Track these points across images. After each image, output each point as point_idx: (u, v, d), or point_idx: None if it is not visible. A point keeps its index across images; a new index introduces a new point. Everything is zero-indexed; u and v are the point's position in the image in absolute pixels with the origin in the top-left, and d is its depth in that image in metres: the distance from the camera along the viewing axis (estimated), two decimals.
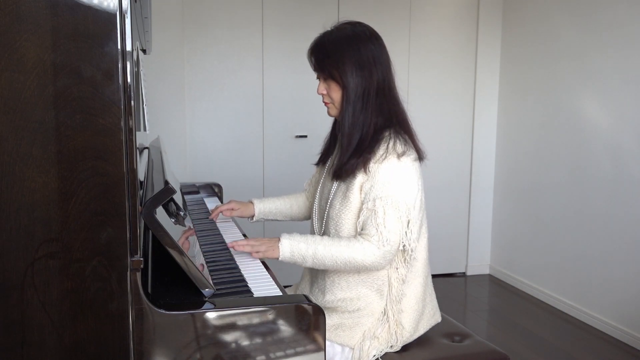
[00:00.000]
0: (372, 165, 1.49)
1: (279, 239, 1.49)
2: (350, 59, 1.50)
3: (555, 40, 3.34)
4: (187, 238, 1.62)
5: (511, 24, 3.77)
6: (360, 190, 1.51)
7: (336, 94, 1.54)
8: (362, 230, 1.50)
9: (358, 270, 1.51)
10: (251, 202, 1.88)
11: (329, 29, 1.58)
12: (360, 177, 1.51)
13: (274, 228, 3.60)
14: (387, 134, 1.52)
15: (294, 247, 1.48)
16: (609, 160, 2.98)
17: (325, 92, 1.57)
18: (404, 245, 1.50)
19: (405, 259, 1.55)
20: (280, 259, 1.49)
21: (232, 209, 1.86)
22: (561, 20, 3.29)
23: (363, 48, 1.51)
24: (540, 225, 3.53)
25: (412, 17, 3.72)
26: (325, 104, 1.59)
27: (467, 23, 3.84)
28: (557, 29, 3.33)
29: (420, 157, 1.57)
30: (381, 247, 1.46)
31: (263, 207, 1.87)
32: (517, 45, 3.71)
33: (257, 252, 1.51)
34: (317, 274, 1.67)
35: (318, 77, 1.59)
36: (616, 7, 2.90)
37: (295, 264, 1.52)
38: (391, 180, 1.47)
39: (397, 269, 1.55)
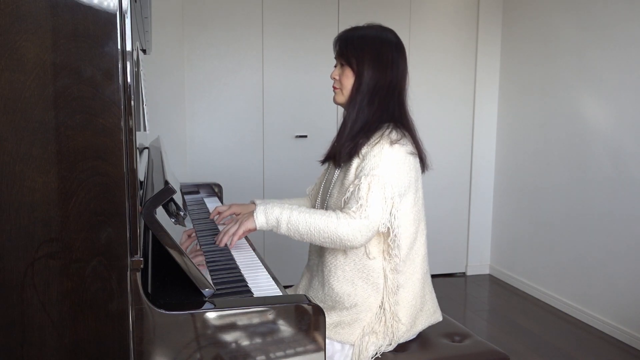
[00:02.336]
0: (365, 149, 1.53)
1: (255, 207, 1.53)
2: (370, 53, 1.58)
3: (556, 39, 3.34)
4: (189, 236, 1.62)
5: (511, 24, 3.77)
6: (355, 176, 1.55)
7: (348, 81, 1.61)
8: (345, 205, 1.51)
9: (334, 243, 1.47)
10: (253, 203, 1.87)
11: (362, 25, 1.67)
12: (355, 164, 1.55)
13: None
14: (386, 124, 1.57)
15: (268, 211, 1.50)
16: (609, 160, 2.98)
17: (337, 77, 1.64)
18: (387, 228, 1.49)
19: (393, 249, 1.53)
20: (258, 227, 1.51)
21: (235, 214, 1.84)
22: (561, 18, 3.29)
23: (385, 50, 1.59)
24: (540, 225, 3.53)
25: (412, 17, 3.72)
26: (334, 88, 1.66)
27: (467, 22, 3.84)
28: (557, 28, 3.33)
29: (424, 163, 1.62)
30: (357, 219, 1.44)
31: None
32: (517, 44, 3.71)
33: (235, 233, 1.54)
34: (316, 267, 1.69)
35: (335, 65, 1.67)
36: (616, 5, 2.90)
37: (271, 232, 1.53)
38: (380, 163, 1.49)
39: (389, 260, 1.56)
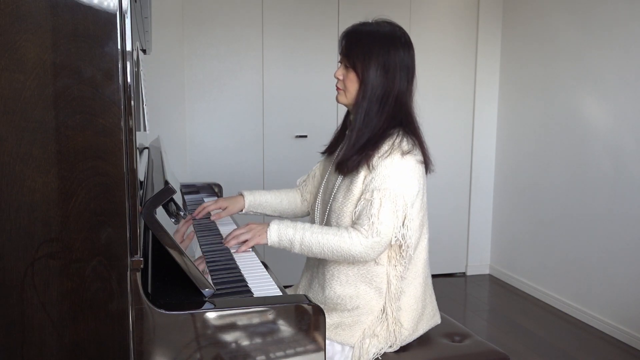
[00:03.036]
0: (376, 161, 1.49)
1: (269, 225, 1.52)
2: (378, 58, 1.51)
3: (556, 40, 3.34)
4: (186, 230, 1.61)
5: (511, 24, 3.77)
6: (363, 183, 1.52)
7: (351, 84, 1.54)
8: (356, 220, 1.50)
9: (347, 260, 1.49)
10: (241, 195, 1.85)
11: (370, 21, 1.60)
12: (363, 172, 1.52)
13: None
14: (395, 131, 1.52)
15: (282, 233, 1.50)
16: (609, 160, 2.98)
17: (341, 77, 1.57)
18: (399, 242, 1.48)
19: (402, 256, 1.53)
20: (269, 244, 1.51)
21: (221, 208, 1.82)
22: (561, 19, 3.29)
23: (393, 51, 1.52)
24: (541, 225, 3.53)
25: (412, 17, 3.72)
26: (337, 89, 1.59)
27: (467, 22, 3.84)
28: (557, 28, 3.33)
29: (428, 168, 1.58)
30: (369, 238, 1.45)
31: (253, 199, 1.84)
32: (517, 45, 3.71)
33: (245, 241, 1.54)
34: (317, 269, 1.67)
35: (340, 62, 1.59)
36: (616, 6, 2.90)
37: (284, 250, 1.53)
38: (392, 174, 1.47)
39: (395, 266, 1.55)
